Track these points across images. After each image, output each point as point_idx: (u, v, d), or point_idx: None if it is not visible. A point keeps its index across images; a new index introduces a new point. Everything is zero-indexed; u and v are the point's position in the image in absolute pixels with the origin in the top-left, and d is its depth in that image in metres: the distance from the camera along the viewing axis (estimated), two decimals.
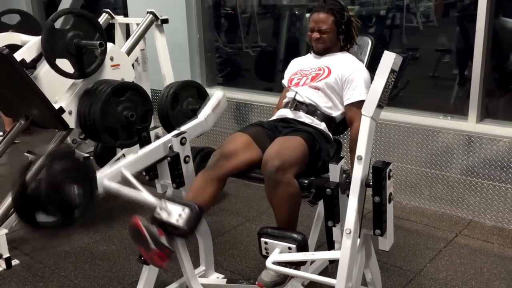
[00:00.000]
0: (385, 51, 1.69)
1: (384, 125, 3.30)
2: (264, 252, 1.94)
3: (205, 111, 2.29)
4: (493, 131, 2.99)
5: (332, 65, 2.29)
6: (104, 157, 3.65)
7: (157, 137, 2.18)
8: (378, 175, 1.62)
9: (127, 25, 3.73)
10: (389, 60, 1.67)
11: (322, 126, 2.21)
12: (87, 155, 4.24)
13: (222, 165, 2.05)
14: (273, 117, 2.35)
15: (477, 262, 2.63)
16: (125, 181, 1.96)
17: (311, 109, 2.23)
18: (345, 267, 1.66)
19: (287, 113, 2.27)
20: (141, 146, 2.19)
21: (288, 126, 2.19)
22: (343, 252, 1.67)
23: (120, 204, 3.48)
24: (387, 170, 1.64)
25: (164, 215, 1.86)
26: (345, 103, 2.24)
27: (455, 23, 4.32)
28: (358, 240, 1.74)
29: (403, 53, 4.99)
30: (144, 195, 1.89)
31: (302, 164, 1.97)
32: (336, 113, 2.26)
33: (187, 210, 1.85)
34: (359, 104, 2.16)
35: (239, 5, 5.42)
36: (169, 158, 2.09)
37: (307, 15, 4.83)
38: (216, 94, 2.40)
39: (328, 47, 2.33)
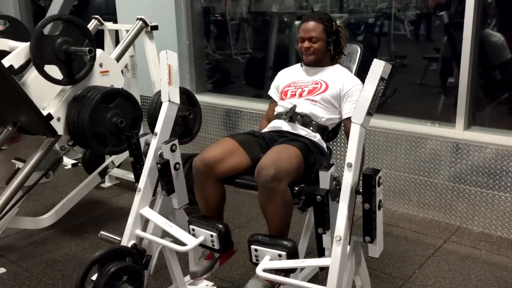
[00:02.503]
0: (375, 59, 1.70)
1: (373, 132, 3.32)
2: (254, 260, 1.95)
3: None
4: (480, 138, 3.02)
5: (330, 80, 2.31)
6: (93, 164, 3.62)
7: (147, 144, 2.18)
8: (368, 182, 1.63)
9: (116, 32, 3.73)
10: (378, 68, 1.68)
11: (317, 138, 2.23)
12: (75, 161, 4.24)
13: (204, 172, 2.06)
14: (266, 129, 2.35)
15: (465, 268, 2.65)
16: None
17: (306, 120, 2.25)
18: (335, 274, 1.67)
19: (282, 124, 2.28)
20: (131, 153, 2.18)
21: (284, 136, 2.21)
22: (333, 259, 1.67)
23: (108, 211, 3.48)
24: (377, 177, 1.65)
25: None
26: (345, 116, 2.27)
27: (442, 31, 4.38)
28: (348, 247, 1.74)
29: (391, 60, 5.04)
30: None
31: (297, 174, 1.98)
32: (329, 123, 2.29)
33: (214, 234, 2.01)
34: None
35: (228, 11, 5.44)
36: (159, 165, 2.09)
37: (297, 22, 4.87)
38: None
39: (319, 58, 2.34)
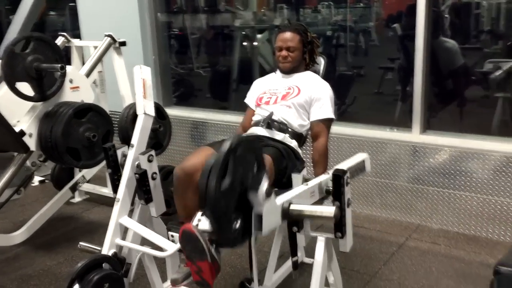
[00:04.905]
0: (359, 153, 2.03)
1: (336, 138, 3.48)
2: None
3: None
4: (436, 141, 3.24)
5: (301, 85, 2.46)
6: (62, 180, 3.63)
7: (124, 155, 2.26)
8: (337, 182, 1.77)
9: (81, 48, 3.77)
10: (361, 157, 2.04)
11: (293, 144, 2.36)
12: (43, 178, 4.22)
13: (185, 181, 2.16)
14: (244, 136, 2.46)
15: (427, 262, 2.83)
16: None
17: (283, 127, 2.38)
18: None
19: (260, 131, 2.40)
20: (108, 165, 2.25)
21: (260, 141, 2.32)
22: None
23: (80, 226, 3.50)
24: (345, 177, 1.79)
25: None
26: (312, 119, 2.41)
27: (395, 42, 4.62)
28: (321, 243, 1.87)
29: (349, 71, 5.27)
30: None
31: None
32: (303, 130, 2.43)
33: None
34: (326, 121, 2.37)
35: (189, 26, 5.54)
36: (137, 175, 2.16)
37: (258, 35, 5.03)
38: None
39: (295, 66, 2.50)
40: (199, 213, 1.71)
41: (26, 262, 2.97)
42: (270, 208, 1.52)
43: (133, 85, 3.51)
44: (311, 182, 1.80)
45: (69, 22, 7.87)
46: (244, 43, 5.14)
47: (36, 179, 4.23)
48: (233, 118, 4.00)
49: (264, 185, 1.48)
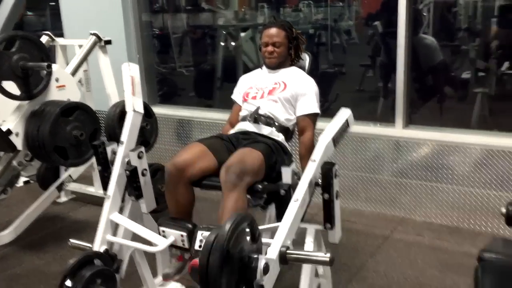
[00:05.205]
0: (342, 108, 2.03)
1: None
2: None
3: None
4: (418, 135, 3.32)
5: (287, 80, 2.50)
6: (48, 179, 3.62)
7: (113, 152, 2.27)
8: (327, 174, 1.82)
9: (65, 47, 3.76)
10: (345, 114, 2.04)
11: (280, 137, 2.40)
12: (27, 179, 4.18)
13: (176, 176, 2.19)
14: (232, 131, 2.50)
15: (412, 254, 2.89)
16: None
17: (270, 122, 2.42)
18: (284, 231, 1.76)
19: (247, 126, 2.44)
20: (98, 162, 2.27)
21: (249, 138, 2.36)
22: (287, 218, 1.77)
23: (67, 225, 3.49)
24: (334, 170, 1.84)
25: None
26: (298, 114, 2.46)
27: (375, 40, 4.71)
28: (311, 235, 1.92)
29: (330, 68, 5.34)
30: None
31: (258, 175, 2.14)
32: (290, 124, 2.47)
33: (184, 233, 2.04)
34: (311, 116, 2.42)
35: (170, 25, 5.56)
36: (127, 172, 2.18)
37: (242, 34, 5.06)
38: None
39: (281, 61, 2.54)
40: None
41: (14, 262, 2.95)
42: (270, 276, 1.54)
43: (119, 84, 3.55)
44: (298, 193, 1.78)
45: (49, 22, 7.82)
46: (224, 43, 5.18)
47: (20, 180, 4.18)
48: (219, 116, 4.03)
49: (262, 261, 1.50)
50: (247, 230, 1.49)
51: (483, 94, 3.77)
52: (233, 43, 5.20)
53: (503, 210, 1.59)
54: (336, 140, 1.96)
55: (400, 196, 3.37)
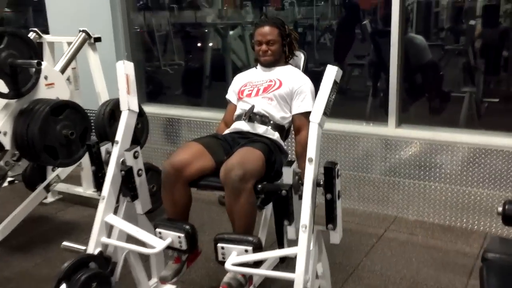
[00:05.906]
0: (328, 65, 1.89)
1: None
2: (220, 258, 2.02)
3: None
4: (410, 134, 3.32)
5: (282, 78, 2.47)
6: (34, 180, 3.54)
7: (108, 152, 2.22)
8: (329, 174, 1.79)
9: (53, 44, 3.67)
10: (332, 73, 1.87)
11: (276, 136, 2.37)
12: (12, 179, 4.08)
13: (174, 176, 2.14)
14: (228, 131, 2.46)
15: (406, 252, 2.89)
16: None
17: (265, 120, 2.39)
18: (303, 261, 1.80)
19: (242, 126, 2.40)
20: (92, 162, 2.21)
21: (245, 137, 2.33)
22: (301, 247, 1.81)
23: (55, 226, 3.41)
24: (336, 170, 1.82)
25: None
26: (294, 112, 2.43)
27: (362, 39, 4.69)
28: (312, 236, 1.89)
29: (317, 68, 5.32)
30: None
31: (260, 175, 2.11)
32: (285, 122, 2.44)
33: (181, 235, 2.05)
34: (307, 114, 2.38)
35: (155, 23, 5.48)
36: (123, 172, 2.13)
37: (231, 32, 5.02)
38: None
39: (275, 59, 2.51)
40: None
41: (2, 264, 2.87)
42: None
43: (108, 82, 3.48)
44: (304, 219, 1.80)
45: (31, 19, 7.65)
46: (210, 40, 5.14)
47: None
48: (208, 115, 3.99)
49: None
50: None
51: (471, 93, 3.79)
52: (217, 42, 5.15)
53: (499, 209, 1.57)
54: (327, 111, 1.89)
55: (393, 195, 3.37)
